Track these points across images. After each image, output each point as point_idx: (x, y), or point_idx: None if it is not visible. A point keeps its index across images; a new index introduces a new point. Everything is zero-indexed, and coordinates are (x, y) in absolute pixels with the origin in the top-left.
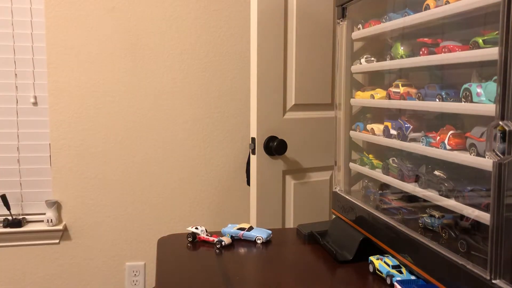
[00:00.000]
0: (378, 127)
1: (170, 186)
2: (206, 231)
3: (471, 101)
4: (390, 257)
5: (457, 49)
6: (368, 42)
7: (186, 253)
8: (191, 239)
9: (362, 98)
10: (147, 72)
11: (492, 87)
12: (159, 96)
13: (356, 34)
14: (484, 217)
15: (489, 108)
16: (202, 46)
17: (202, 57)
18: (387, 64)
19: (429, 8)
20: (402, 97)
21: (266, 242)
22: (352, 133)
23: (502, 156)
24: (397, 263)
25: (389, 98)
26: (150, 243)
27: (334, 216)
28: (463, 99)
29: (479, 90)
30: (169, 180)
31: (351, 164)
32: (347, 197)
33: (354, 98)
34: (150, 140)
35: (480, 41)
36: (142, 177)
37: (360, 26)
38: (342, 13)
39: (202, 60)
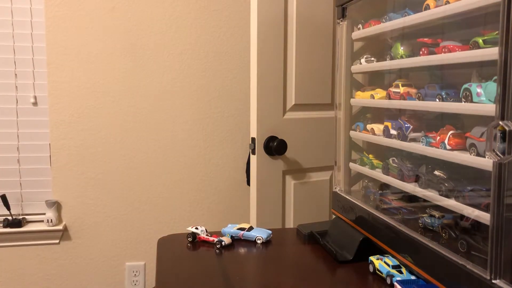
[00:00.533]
0: (378, 127)
1: (170, 186)
2: (206, 231)
3: (471, 101)
4: (390, 257)
5: (457, 49)
6: (368, 42)
7: (186, 253)
8: (191, 239)
9: (362, 98)
10: (147, 72)
11: (492, 87)
12: (159, 96)
13: (356, 34)
14: (484, 217)
15: (489, 108)
16: (202, 46)
17: (202, 57)
18: (387, 64)
19: (429, 8)
20: (402, 97)
21: (266, 242)
22: (352, 133)
23: (502, 156)
24: (397, 263)
25: (389, 98)
26: (150, 243)
27: (334, 216)
28: (463, 99)
29: (479, 90)
30: (169, 180)
31: (351, 164)
32: (347, 197)
33: (354, 98)
34: (150, 140)
35: (480, 41)
36: (142, 177)
37: (360, 26)
38: (342, 13)
39: (202, 60)
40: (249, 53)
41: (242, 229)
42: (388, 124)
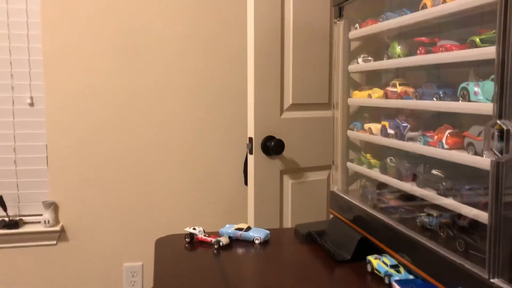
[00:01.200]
0: (375, 127)
1: (168, 186)
2: (204, 232)
3: (469, 100)
4: (388, 256)
5: (454, 48)
6: (365, 42)
7: (184, 254)
8: (189, 240)
9: (359, 98)
10: (145, 72)
11: (489, 86)
12: (156, 96)
13: (353, 34)
14: (482, 216)
15: (487, 107)
16: (200, 46)
17: (199, 56)
18: (385, 64)
19: (426, 7)
20: (400, 96)
21: (264, 242)
22: (349, 132)
23: (500, 155)
24: (395, 262)
25: (387, 98)
26: (148, 244)
27: (332, 216)
28: (460, 98)
29: (476, 89)
30: (167, 180)
31: (349, 164)
32: (345, 196)
33: (351, 97)
34: (147, 140)
35: (477, 40)
36: (140, 177)
37: (357, 25)
38: (339, 12)
39: (199, 59)
40: (247, 53)
41: (240, 229)
42: (386, 123)
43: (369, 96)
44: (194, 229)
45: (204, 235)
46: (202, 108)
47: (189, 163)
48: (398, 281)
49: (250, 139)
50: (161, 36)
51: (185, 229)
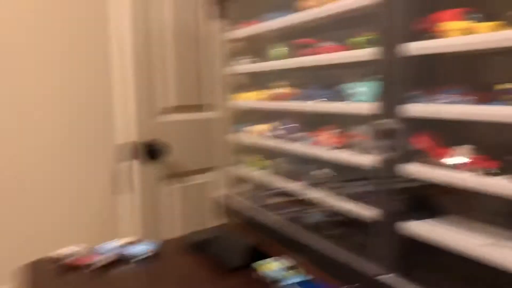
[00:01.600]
0: (262, 129)
1: (35, 201)
2: (82, 252)
3: (352, 101)
4: (279, 259)
5: (337, 49)
6: (248, 43)
7: (57, 282)
8: (61, 264)
9: (244, 100)
10: (2, 78)
11: (372, 86)
12: (18, 101)
13: (234, 35)
14: (370, 213)
15: (370, 107)
16: (63, 46)
17: (63, 60)
18: (269, 65)
19: (308, 10)
20: (285, 98)
21: (152, 256)
22: (235, 135)
23: (385, 153)
24: (286, 265)
25: (272, 100)
26: (17, 267)
27: (220, 222)
28: (344, 99)
29: (359, 89)
30: (36, 196)
31: (236, 167)
32: (233, 200)
33: (236, 100)
34: (7, 152)
35: (359, 41)
36: (5, 195)
37: (238, 26)
38: (219, 13)
39: (65, 61)
40: (119, 57)
41: (123, 245)
42: (272, 125)
43: (255, 98)
44: (69, 249)
45: (83, 255)
46: (64, 114)
47: (58, 175)
48: (289, 284)
49: (130, 144)
50: (22, 35)
51: (58, 251)
